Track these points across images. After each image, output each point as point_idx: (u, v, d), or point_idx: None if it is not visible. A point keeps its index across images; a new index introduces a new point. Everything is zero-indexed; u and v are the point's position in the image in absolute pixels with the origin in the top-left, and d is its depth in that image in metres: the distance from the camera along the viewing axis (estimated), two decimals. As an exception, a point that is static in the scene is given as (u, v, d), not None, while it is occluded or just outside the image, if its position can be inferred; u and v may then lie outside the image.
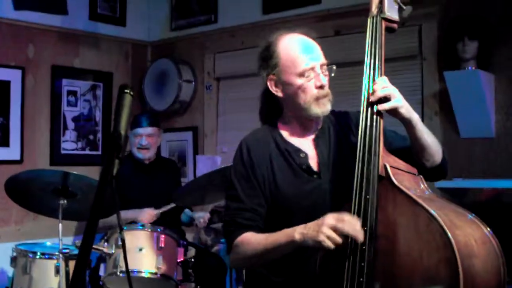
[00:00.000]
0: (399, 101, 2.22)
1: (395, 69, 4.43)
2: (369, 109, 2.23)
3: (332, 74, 2.43)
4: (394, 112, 2.23)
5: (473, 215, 2.06)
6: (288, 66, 2.41)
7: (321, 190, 2.40)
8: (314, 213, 2.20)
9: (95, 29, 5.76)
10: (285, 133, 2.51)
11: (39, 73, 5.44)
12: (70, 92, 5.64)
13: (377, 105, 2.22)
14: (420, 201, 1.99)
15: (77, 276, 1.67)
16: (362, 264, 2.06)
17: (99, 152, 5.86)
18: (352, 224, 2.06)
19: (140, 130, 4.80)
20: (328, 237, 2.06)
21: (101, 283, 3.86)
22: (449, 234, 1.87)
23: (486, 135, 4.09)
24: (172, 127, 5.94)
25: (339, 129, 2.52)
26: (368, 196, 2.10)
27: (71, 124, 5.65)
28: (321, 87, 2.40)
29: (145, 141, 4.80)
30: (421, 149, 2.32)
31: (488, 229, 2.03)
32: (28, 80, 5.35)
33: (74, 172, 3.84)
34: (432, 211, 1.94)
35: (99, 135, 5.85)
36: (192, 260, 4.12)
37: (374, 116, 2.21)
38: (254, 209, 2.41)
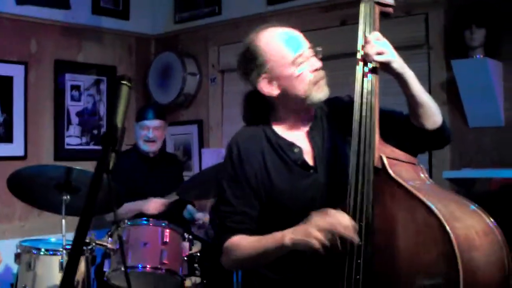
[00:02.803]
0: (392, 55, 2.19)
1: (401, 58, 4.36)
2: (362, 99, 2.17)
3: (320, 56, 2.36)
4: (386, 66, 2.19)
5: (476, 205, 2.00)
6: (278, 59, 2.31)
7: (318, 184, 2.31)
8: (311, 208, 2.12)
9: (98, 23, 5.72)
10: (277, 128, 2.41)
11: (42, 68, 5.41)
12: (73, 87, 5.61)
13: (370, 62, 2.19)
14: (417, 193, 1.92)
15: (68, 275, 1.61)
16: (359, 261, 1.99)
17: (103, 147, 5.82)
18: (343, 225, 1.99)
19: (146, 123, 4.75)
20: (318, 239, 2.00)
21: (105, 279, 3.82)
22: (448, 228, 1.81)
23: (495, 124, 4.02)
24: (177, 120, 5.90)
25: (331, 117, 2.43)
26: (363, 190, 2.03)
27: (75, 119, 5.62)
28: (316, 70, 2.33)
29: (152, 134, 4.75)
30: (418, 106, 2.24)
31: (492, 219, 1.97)
32: (31, 75, 5.32)
33: (77, 167, 3.81)
34: (430, 204, 1.87)
35: (103, 129, 5.81)
36: (198, 254, 4.08)
37: (368, 106, 2.15)
38: (244, 211, 2.33)
